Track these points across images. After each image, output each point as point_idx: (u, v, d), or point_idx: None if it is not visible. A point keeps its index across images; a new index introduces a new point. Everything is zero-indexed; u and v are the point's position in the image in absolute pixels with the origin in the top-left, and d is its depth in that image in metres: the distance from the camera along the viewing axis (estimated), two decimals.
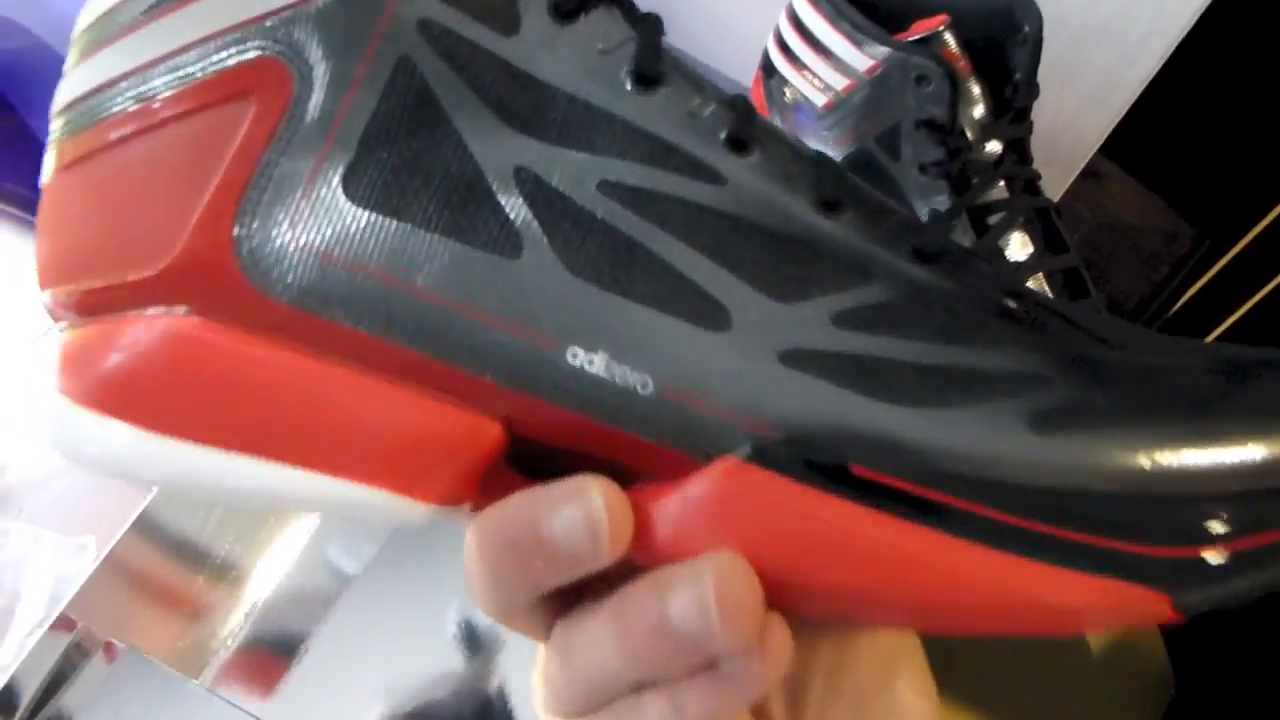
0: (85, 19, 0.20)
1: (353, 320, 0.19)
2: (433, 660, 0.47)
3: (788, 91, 0.46)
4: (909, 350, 0.19)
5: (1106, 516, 0.18)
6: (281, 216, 0.19)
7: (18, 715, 0.42)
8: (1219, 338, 0.70)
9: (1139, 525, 0.18)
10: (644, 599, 0.18)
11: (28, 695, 0.43)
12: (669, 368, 0.19)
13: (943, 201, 0.40)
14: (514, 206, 0.19)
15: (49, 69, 0.46)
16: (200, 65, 0.19)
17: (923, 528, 0.18)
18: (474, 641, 0.47)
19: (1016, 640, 0.34)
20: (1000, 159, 0.40)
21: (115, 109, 0.20)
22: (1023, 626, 0.18)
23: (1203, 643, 0.49)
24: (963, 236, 0.40)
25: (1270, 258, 0.68)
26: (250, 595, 0.48)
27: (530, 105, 0.19)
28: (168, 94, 0.19)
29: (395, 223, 0.19)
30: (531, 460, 0.20)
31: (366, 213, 0.19)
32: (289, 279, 0.19)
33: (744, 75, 0.51)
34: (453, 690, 0.46)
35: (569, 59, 0.20)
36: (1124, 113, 0.53)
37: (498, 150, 0.19)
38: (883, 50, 0.41)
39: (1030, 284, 0.40)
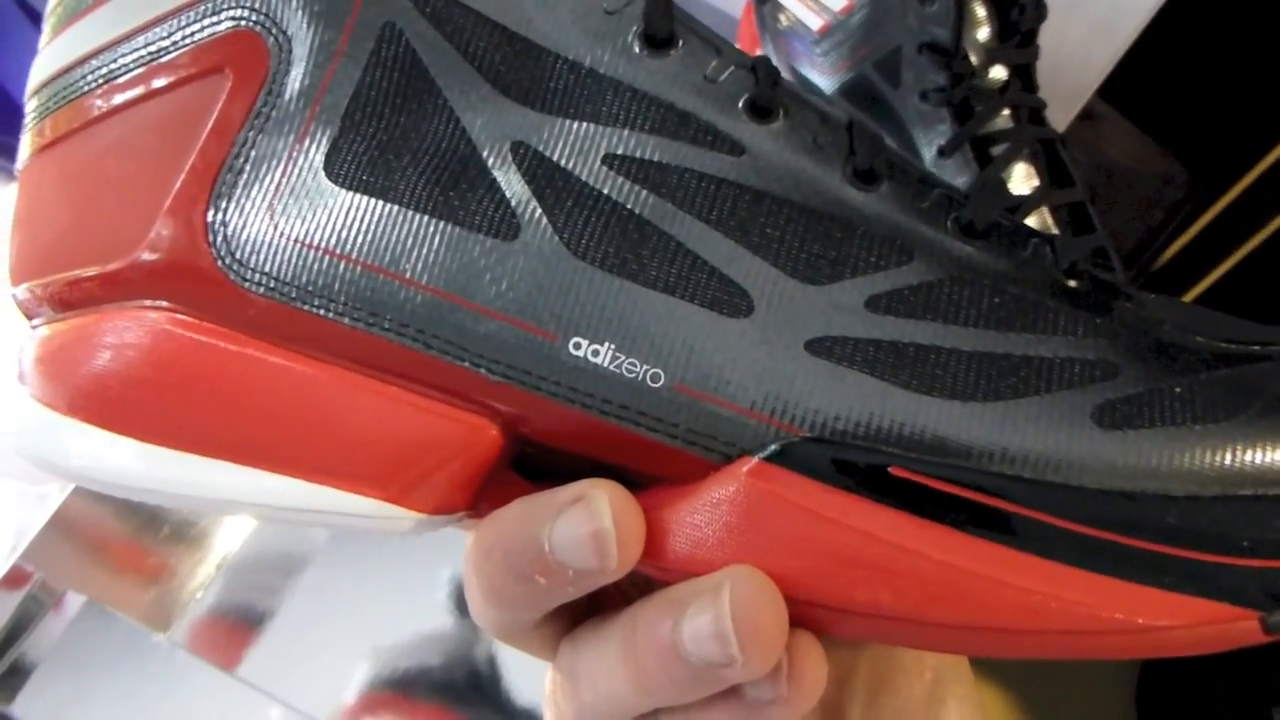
0: None
1: (335, 312, 0.17)
2: (422, 623, 0.45)
3: (782, 17, 0.44)
4: (955, 337, 0.17)
5: (1185, 524, 0.16)
6: (259, 200, 0.18)
7: None
8: (1215, 283, 0.68)
9: (1223, 533, 0.16)
10: (655, 620, 0.16)
11: None
12: (683, 359, 0.17)
13: (944, 131, 0.39)
14: (511, 184, 0.17)
15: (7, 9, 0.45)
16: (171, 39, 0.18)
17: (974, 539, 0.16)
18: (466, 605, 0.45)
19: None
20: (1005, 86, 0.39)
21: (86, 89, 0.19)
22: (1092, 651, 0.16)
23: None
24: (964, 168, 0.38)
25: (1266, 202, 0.67)
26: (220, 547, 0.47)
27: (528, 73, 0.18)
28: (138, 71, 0.18)
29: (381, 204, 0.17)
30: (537, 463, 0.19)
31: (350, 194, 0.17)
32: (267, 268, 0.17)
33: (733, 6, 0.49)
34: (443, 655, 0.44)
35: (571, 21, 0.18)
36: (1130, 44, 0.51)
37: (493, 122, 0.18)
38: None
39: (1032, 219, 0.38)
